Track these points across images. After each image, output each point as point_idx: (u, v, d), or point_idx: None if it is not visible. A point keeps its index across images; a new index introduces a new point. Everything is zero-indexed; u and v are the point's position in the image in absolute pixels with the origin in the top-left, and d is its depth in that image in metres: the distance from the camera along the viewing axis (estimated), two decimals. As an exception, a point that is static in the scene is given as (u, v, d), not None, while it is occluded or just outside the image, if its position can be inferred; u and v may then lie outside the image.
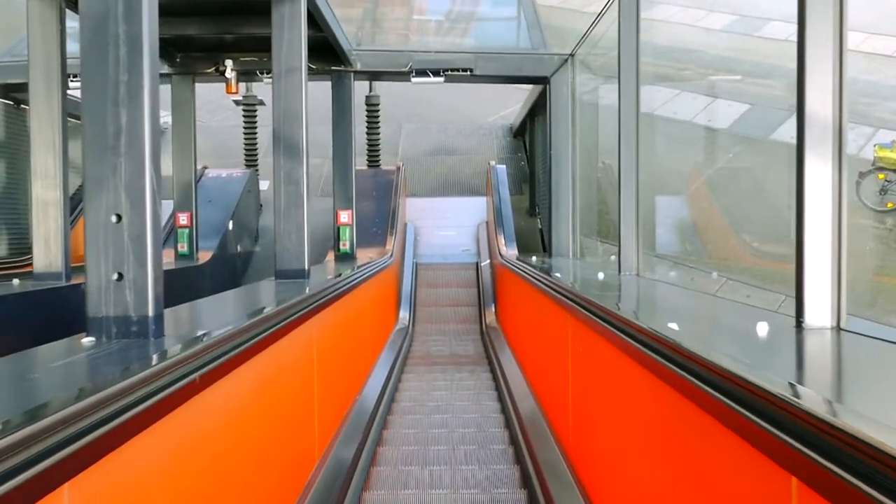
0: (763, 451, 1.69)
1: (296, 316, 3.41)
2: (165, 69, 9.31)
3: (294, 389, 3.50)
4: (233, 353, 2.59)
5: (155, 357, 2.34)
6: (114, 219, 2.55)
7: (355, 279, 5.86)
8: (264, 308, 3.23)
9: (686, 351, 2.14)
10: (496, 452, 4.90)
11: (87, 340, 2.51)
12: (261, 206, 12.10)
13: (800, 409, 1.51)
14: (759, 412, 1.71)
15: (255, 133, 13.18)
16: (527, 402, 5.86)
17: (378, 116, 12.84)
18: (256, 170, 12.61)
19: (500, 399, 6.45)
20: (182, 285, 8.62)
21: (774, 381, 1.74)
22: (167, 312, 3.14)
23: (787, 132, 14.64)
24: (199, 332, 2.64)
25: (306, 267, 5.60)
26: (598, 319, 3.08)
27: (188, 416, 2.21)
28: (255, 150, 13.20)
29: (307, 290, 4.78)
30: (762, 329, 2.68)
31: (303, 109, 5.87)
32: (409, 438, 5.05)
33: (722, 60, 17.56)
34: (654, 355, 2.39)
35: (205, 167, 11.82)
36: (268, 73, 8.49)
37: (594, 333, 3.22)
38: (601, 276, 6.06)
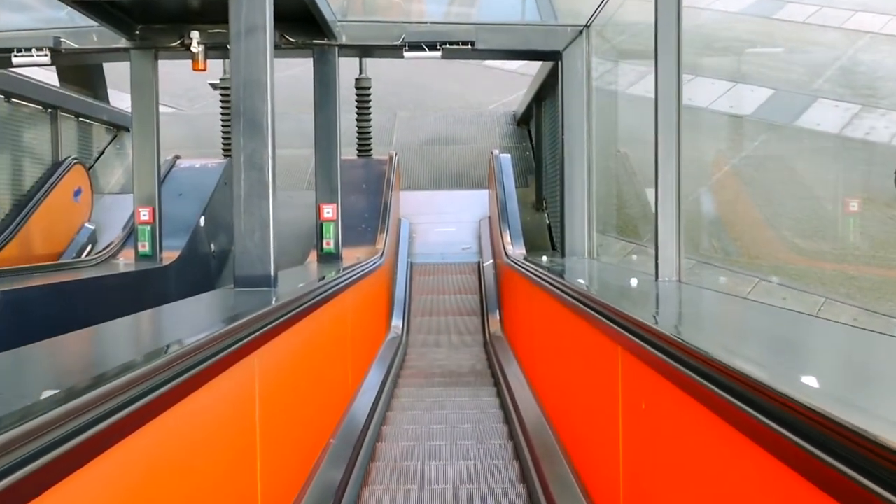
0: None
1: (221, 355, 2.29)
2: (123, 43, 8.17)
3: (220, 462, 2.37)
4: (97, 429, 1.48)
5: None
6: None
7: (332, 287, 4.74)
8: (167, 346, 2.11)
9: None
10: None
11: None
12: (240, 199, 10.92)
13: None
14: None
15: (235, 120, 11.99)
16: (544, 437, 4.75)
17: (369, 101, 11.71)
18: (236, 160, 11.43)
19: (511, 431, 5.34)
20: (141, 291, 7.50)
21: None
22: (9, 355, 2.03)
23: (812, 118, 13.56)
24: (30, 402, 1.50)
25: (272, 272, 4.51)
26: (682, 367, 1.95)
27: None
28: (235, 138, 12.02)
29: (273, 302, 3.71)
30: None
31: (267, 78, 4.76)
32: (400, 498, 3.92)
33: (741, 44, 16.48)
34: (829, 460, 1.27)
35: (176, 157, 10.68)
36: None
37: (670, 383, 2.09)
38: (634, 282, 4.99)
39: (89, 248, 10.36)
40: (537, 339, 5.50)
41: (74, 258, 9.84)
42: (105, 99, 13.32)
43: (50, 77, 12.76)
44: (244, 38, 4.74)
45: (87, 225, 10.65)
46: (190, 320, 3.08)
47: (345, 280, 5.36)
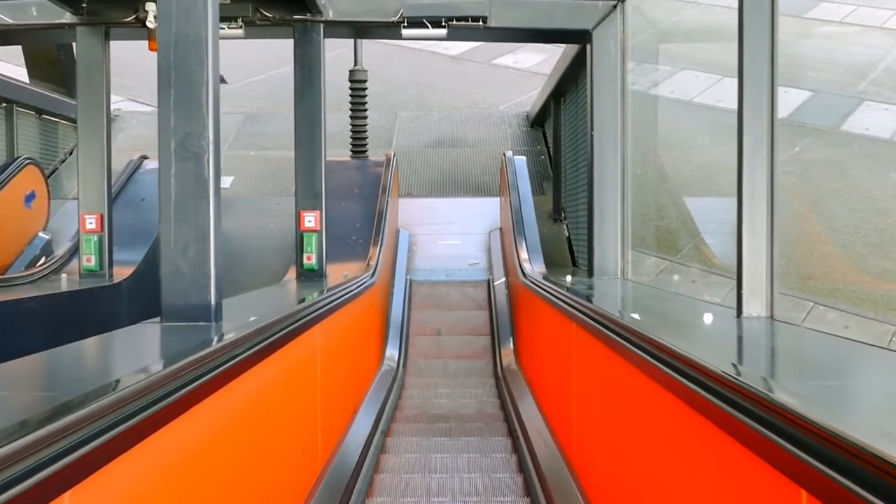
0: None
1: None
2: (68, 18, 6.88)
3: None
4: None
5: None
6: None
7: (290, 324, 3.40)
8: None
9: None
10: None
11: None
12: (217, 206, 9.61)
13: None
14: None
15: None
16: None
17: (365, 96, 10.42)
18: (213, 162, 10.11)
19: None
20: (77, 316, 6.16)
21: None
22: None
23: (860, 122, 12.22)
24: None
25: (213, 301, 3.20)
26: None
27: None
28: (215, 138, 10.72)
29: (214, 342, 2.44)
30: None
31: (208, 33, 3.46)
32: None
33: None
34: None
35: (143, 157, 9.39)
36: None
37: None
38: (708, 319, 3.68)
39: (43, 260, 9.04)
40: (575, 391, 4.13)
41: (23, 272, 8.51)
42: (78, 96, 12.07)
43: (21, 74, 11.54)
44: (177, -18, 3.44)
45: (41, 234, 9.32)
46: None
47: (315, 310, 4.01)
